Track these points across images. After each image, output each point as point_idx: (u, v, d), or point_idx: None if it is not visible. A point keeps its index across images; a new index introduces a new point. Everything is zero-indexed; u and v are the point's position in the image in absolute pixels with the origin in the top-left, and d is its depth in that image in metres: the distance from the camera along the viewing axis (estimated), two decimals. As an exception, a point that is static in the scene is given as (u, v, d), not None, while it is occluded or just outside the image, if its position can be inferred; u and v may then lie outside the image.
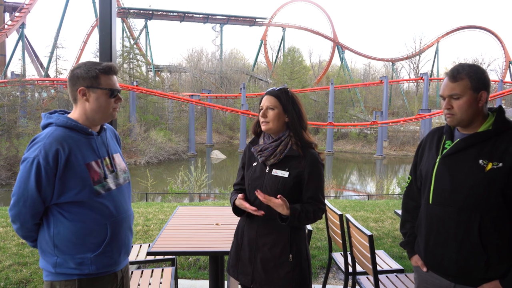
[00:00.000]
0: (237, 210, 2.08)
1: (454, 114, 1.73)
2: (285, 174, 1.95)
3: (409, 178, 2.04)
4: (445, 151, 1.79)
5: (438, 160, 1.79)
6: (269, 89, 2.07)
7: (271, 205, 1.88)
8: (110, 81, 1.80)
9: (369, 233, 2.56)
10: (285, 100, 1.99)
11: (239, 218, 2.16)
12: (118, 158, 1.94)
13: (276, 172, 1.97)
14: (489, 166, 1.65)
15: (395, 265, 3.22)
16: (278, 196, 1.86)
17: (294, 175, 1.95)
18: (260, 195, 1.85)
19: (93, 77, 1.77)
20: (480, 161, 1.67)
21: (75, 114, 1.81)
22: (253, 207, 1.94)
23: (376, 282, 2.57)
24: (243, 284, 2.04)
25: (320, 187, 1.98)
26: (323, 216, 2.67)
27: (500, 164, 1.63)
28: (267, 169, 2.00)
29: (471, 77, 1.69)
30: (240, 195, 2.01)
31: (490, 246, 1.65)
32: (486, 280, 1.67)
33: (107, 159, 1.86)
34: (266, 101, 2.01)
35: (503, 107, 1.79)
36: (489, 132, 1.70)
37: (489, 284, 1.67)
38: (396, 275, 2.98)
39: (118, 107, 1.87)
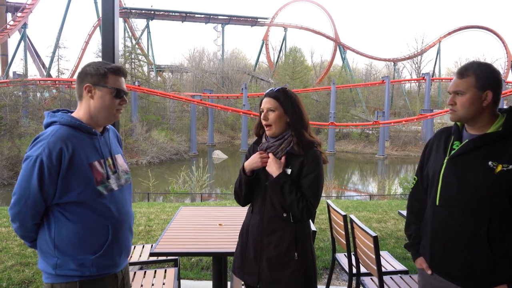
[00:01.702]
0: (244, 181, 2.02)
1: (456, 110, 1.74)
2: (288, 171, 1.96)
3: (414, 178, 2.01)
4: (453, 151, 1.76)
5: (445, 161, 1.77)
6: (268, 91, 2.05)
7: (270, 163, 1.95)
8: (117, 81, 1.80)
9: (373, 234, 2.54)
10: (285, 101, 1.98)
11: (242, 219, 2.14)
12: (120, 159, 1.93)
13: None
14: (499, 168, 1.63)
15: (399, 266, 3.20)
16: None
17: (296, 173, 1.94)
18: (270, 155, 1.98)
19: (101, 74, 1.76)
20: (490, 163, 1.65)
21: (79, 113, 1.80)
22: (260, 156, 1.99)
23: (381, 283, 2.55)
24: (249, 284, 2.03)
25: (315, 186, 1.91)
26: (326, 216, 2.64)
27: (510, 167, 1.61)
28: None
29: (477, 75, 1.68)
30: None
31: (497, 248, 1.63)
32: (492, 284, 1.65)
33: (109, 159, 1.84)
34: (266, 104, 2.00)
35: None
36: (499, 133, 1.68)
37: None
38: (400, 276, 2.96)
39: (122, 109, 1.85)
